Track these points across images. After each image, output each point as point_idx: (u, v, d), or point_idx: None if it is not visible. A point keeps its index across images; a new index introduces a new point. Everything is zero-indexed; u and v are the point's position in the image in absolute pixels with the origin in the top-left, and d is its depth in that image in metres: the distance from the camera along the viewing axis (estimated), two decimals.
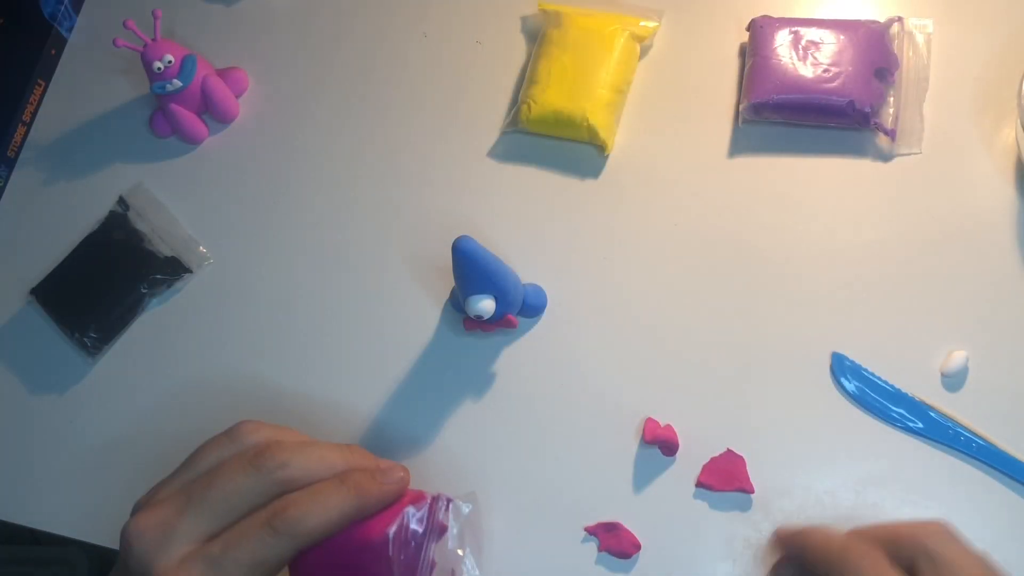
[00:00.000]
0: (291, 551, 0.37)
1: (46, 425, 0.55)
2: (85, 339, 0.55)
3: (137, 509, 0.40)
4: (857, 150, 0.54)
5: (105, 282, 0.56)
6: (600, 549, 0.48)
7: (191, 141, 0.60)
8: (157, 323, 0.56)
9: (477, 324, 0.49)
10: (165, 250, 0.57)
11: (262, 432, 0.41)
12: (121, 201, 0.58)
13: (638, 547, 0.48)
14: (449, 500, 0.41)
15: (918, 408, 0.48)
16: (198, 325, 0.56)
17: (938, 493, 0.47)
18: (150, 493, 0.41)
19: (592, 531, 0.48)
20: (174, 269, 0.56)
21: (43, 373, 0.56)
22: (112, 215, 0.58)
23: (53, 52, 0.63)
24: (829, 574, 0.36)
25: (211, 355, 0.55)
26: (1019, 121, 0.50)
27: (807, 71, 0.53)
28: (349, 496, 0.38)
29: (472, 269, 0.44)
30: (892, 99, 0.54)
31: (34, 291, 0.57)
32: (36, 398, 0.56)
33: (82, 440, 0.54)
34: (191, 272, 0.56)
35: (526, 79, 0.57)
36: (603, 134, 0.54)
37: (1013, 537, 0.46)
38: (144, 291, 0.56)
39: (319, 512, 0.38)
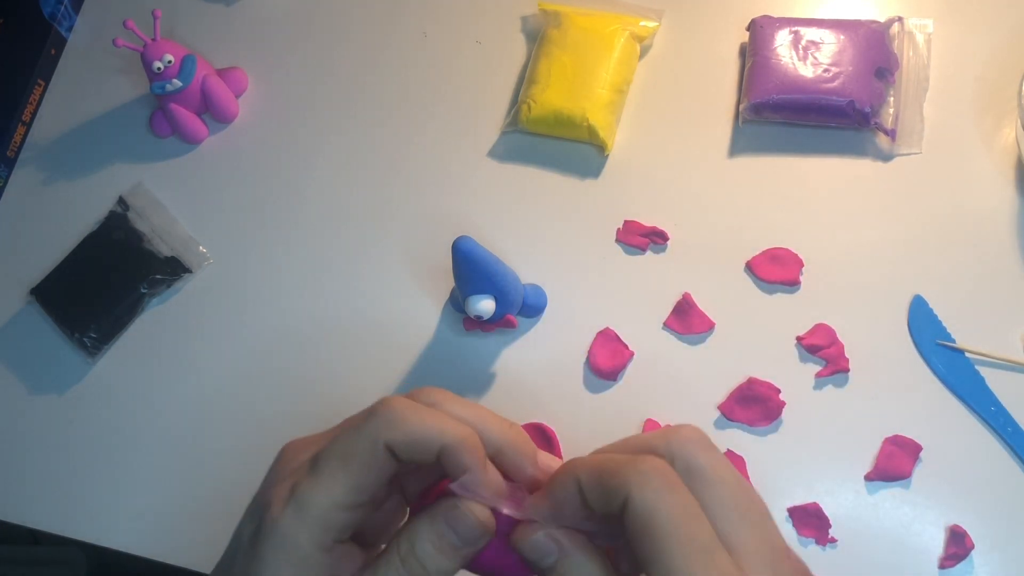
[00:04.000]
0: (384, 440, 0.31)
1: (46, 425, 0.55)
2: (85, 339, 0.55)
3: None
4: (857, 150, 0.54)
5: (105, 282, 0.56)
6: None
7: (191, 141, 0.60)
8: (157, 323, 0.56)
9: (477, 324, 0.49)
10: (165, 250, 0.57)
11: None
12: (121, 201, 0.58)
13: None
14: None
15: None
16: (198, 325, 0.56)
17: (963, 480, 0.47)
18: None
19: None
20: (174, 269, 0.56)
21: (43, 373, 0.56)
22: (112, 215, 0.58)
23: (53, 52, 0.63)
24: (614, 496, 0.29)
25: (210, 355, 0.55)
26: (1019, 121, 0.50)
27: (807, 71, 0.53)
28: (466, 432, 0.31)
29: (472, 269, 0.44)
30: (892, 99, 0.54)
31: (34, 291, 0.57)
32: (36, 398, 0.56)
33: (82, 440, 0.54)
34: (191, 272, 0.56)
35: (526, 79, 0.57)
36: (603, 134, 0.54)
37: None
38: (144, 291, 0.55)
39: (428, 419, 0.31)
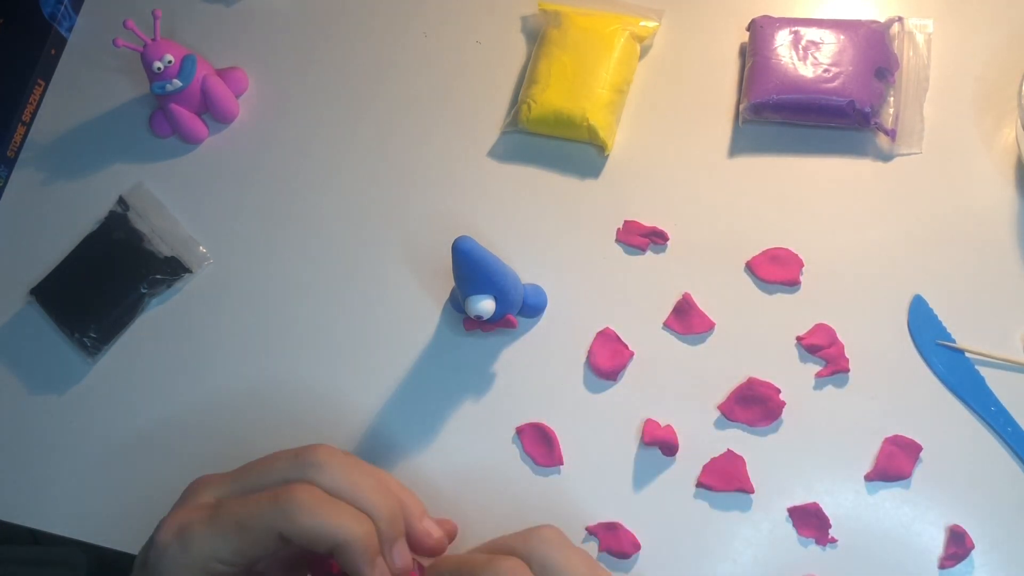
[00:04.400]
0: (279, 530, 0.35)
1: (46, 425, 0.55)
2: (85, 339, 0.55)
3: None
4: (857, 150, 0.54)
5: (105, 282, 0.56)
6: (600, 549, 0.48)
7: (191, 141, 0.60)
8: (157, 323, 0.56)
9: (477, 324, 0.49)
10: (165, 250, 0.57)
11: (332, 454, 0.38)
12: (121, 201, 0.58)
13: (638, 547, 0.48)
14: None
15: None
16: (198, 325, 0.56)
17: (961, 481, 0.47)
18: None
19: (592, 531, 0.48)
20: (174, 269, 0.56)
21: (43, 373, 0.56)
22: (112, 215, 0.58)
23: (53, 52, 0.63)
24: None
25: (211, 355, 0.55)
26: (1019, 121, 0.50)
27: (807, 71, 0.53)
28: (361, 532, 0.35)
29: (472, 269, 0.44)
30: (892, 99, 0.54)
31: (34, 291, 0.57)
32: (36, 398, 0.56)
33: (82, 440, 0.54)
34: (191, 272, 0.56)
35: (526, 79, 0.57)
36: (603, 134, 0.54)
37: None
38: (144, 291, 0.55)
39: (325, 518, 0.35)
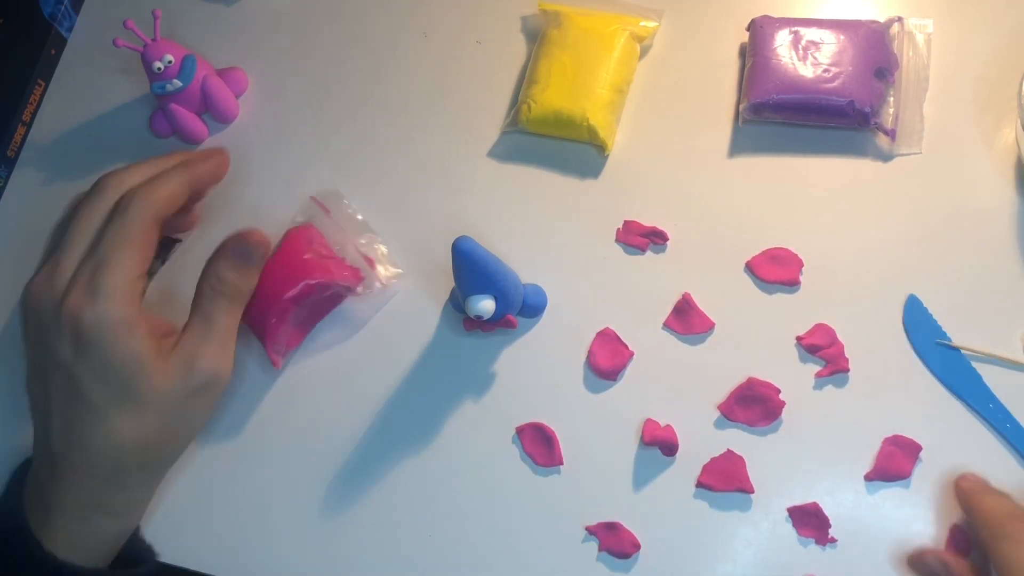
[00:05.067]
0: (148, 224, 0.44)
1: None
2: None
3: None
4: (857, 150, 0.54)
5: None
6: (600, 549, 0.48)
7: (191, 141, 0.60)
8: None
9: (477, 324, 0.49)
10: None
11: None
12: None
13: (638, 547, 0.48)
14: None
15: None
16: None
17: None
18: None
19: (592, 531, 0.48)
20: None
21: None
22: None
23: (53, 52, 0.63)
24: (990, 542, 0.40)
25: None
26: (1019, 121, 0.50)
27: (807, 71, 0.53)
28: (180, 169, 0.46)
29: (472, 269, 0.44)
30: (892, 99, 0.54)
31: None
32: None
33: None
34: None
35: (526, 79, 0.57)
36: (603, 134, 0.54)
37: None
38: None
39: (158, 186, 0.45)
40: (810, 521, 0.48)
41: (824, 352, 0.50)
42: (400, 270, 0.54)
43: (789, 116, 0.54)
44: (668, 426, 0.49)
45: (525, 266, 0.53)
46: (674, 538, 0.48)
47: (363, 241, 0.54)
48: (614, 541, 0.48)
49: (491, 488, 0.50)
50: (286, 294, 0.49)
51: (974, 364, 0.49)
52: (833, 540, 0.47)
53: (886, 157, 0.54)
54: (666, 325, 0.52)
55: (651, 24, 0.57)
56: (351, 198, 0.57)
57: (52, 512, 0.43)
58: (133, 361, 0.42)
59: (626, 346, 0.51)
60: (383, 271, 0.53)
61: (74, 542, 0.43)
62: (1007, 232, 0.51)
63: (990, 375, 0.49)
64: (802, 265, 0.52)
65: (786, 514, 0.48)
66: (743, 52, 0.57)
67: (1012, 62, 0.54)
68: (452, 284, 0.48)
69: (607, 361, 0.51)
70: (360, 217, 0.55)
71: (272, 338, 0.50)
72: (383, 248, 0.55)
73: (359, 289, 0.52)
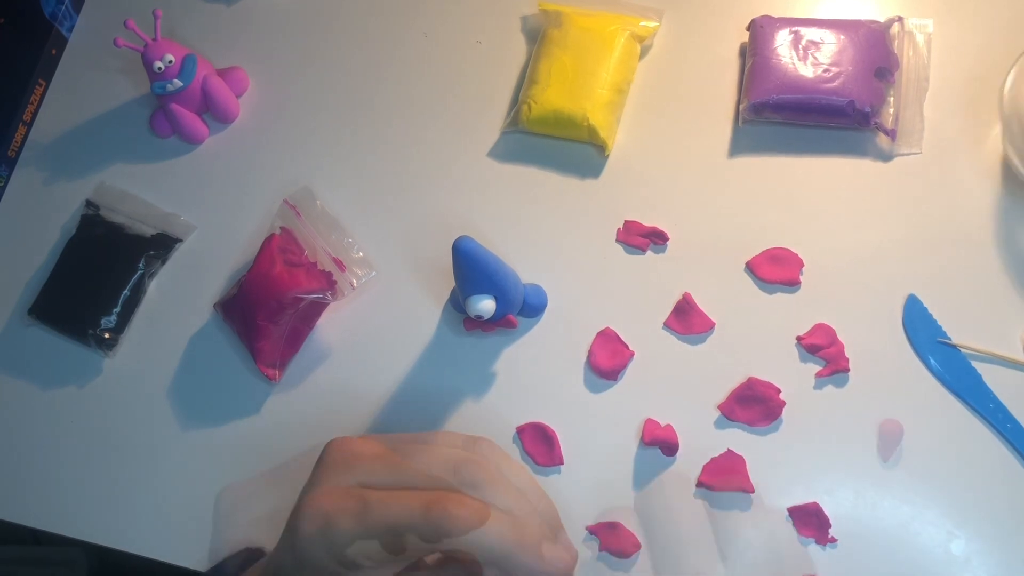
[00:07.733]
0: (430, 543, 0.34)
1: (46, 425, 0.55)
2: (100, 333, 0.55)
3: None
4: (857, 150, 0.54)
5: (102, 276, 0.56)
6: (600, 549, 0.48)
7: (191, 141, 0.60)
8: (162, 300, 0.56)
9: (477, 324, 0.49)
10: (148, 231, 0.57)
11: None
12: (89, 204, 0.58)
13: (638, 547, 0.48)
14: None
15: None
16: (201, 289, 0.56)
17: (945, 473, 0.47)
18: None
19: (593, 531, 0.48)
20: (164, 243, 0.57)
21: (42, 373, 0.56)
22: (84, 218, 0.58)
23: (53, 52, 0.63)
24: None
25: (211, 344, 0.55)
26: (1002, 120, 0.50)
27: (807, 71, 0.53)
28: (513, 537, 0.34)
29: (472, 269, 0.44)
30: (892, 99, 0.54)
31: (32, 311, 0.56)
32: (35, 397, 0.56)
33: (81, 440, 0.54)
34: (181, 241, 0.57)
35: (526, 79, 0.57)
36: (603, 134, 0.54)
37: None
38: (141, 269, 0.56)
39: (479, 537, 0.33)
40: (810, 521, 0.48)
41: (824, 352, 0.50)
42: (373, 271, 0.54)
43: (789, 116, 0.54)
44: (668, 426, 0.49)
45: (525, 266, 0.53)
46: (674, 538, 0.48)
47: (333, 237, 0.54)
48: (614, 541, 0.48)
49: None
50: (258, 317, 0.50)
51: (974, 364, 0.49)
52: (833, 540, 0.47)
53: (886, 157, 0.54)
54: (666, 325, 0.52)
55: (651, 24, 0.57)
56: (350, 197, 0.57)
57: None
58: None
59: (626, 346, 0.51)
60: (355, 272, 0.53)
61: None
62: (1007, 231, 0.51)
63: (990, 375, 0.49)
64: (802, 265, 0.52)
65: (786, 514, 0.48)
66: (743, 52, 0.57)
67: (1012, 62, 0.54)
68: (452, 284, 0.48)
69: (607, 361, 0.51)
70: (331, 213, 0.55)
71: (259, 355, 0.51)
72: (353, 244, 0.54)
73: (329, 296, 0.51)
